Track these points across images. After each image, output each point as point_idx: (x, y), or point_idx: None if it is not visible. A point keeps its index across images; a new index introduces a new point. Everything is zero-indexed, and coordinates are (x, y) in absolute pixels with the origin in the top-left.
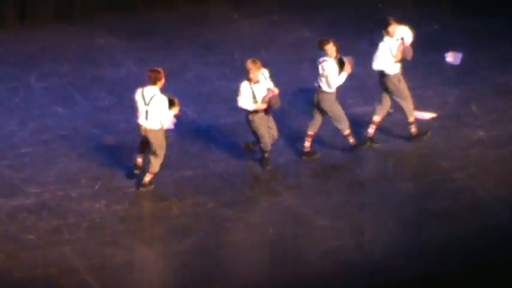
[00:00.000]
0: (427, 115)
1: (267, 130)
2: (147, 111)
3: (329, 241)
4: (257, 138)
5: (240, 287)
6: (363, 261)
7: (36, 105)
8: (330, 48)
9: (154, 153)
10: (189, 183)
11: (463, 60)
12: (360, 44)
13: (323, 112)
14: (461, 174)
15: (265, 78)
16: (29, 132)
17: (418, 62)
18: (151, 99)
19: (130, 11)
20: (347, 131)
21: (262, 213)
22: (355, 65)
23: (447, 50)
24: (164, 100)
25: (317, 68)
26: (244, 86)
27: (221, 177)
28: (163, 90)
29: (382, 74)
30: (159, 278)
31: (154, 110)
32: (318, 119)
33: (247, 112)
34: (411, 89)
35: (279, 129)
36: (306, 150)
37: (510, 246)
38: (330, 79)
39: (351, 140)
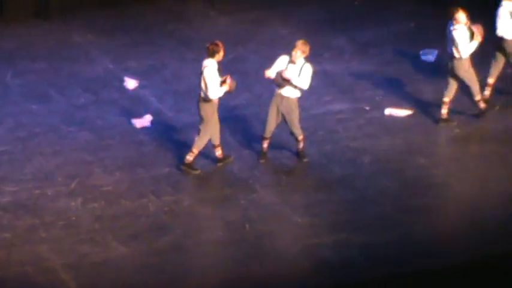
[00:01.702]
0: (404, 112)
1: (273, 116)
2: (200, 81)
3: (306, 239)
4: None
5: (218, 285)
6: (340, 258)
7: (12, 103)
8: (461, 15)
9: (203, 128)
10: (167, 180)
11: (438, 57)
12: (336, 42)
13: (458, 79)
14: (439, 170)
15: (299, 69)
16: (4, 129)
17: (393, 59)
18: (204, 69)
19: (106, 7)
20: (478, 97)
21: (239, 211)
22: (333, 62)
23: (423, 47)
24: (213, 73)
25: (448, 35)
26: (283, 58)
27: (198, 175)
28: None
29: (501, 39)
30: (136, 276)
31: (205, 81)
32: (453, 85)
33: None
34: (386, 86)
35: (253, 128)
36: (442, 117)
37: (489, 240)
38: (460, 47)
39: (481, 105)
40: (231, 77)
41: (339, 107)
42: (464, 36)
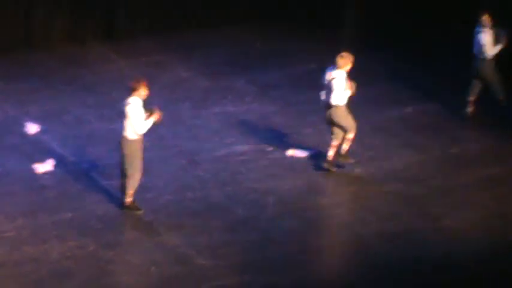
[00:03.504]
0: (305, 153)
1: None
2: (123, 120)
3: (211, 280)
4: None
5: None
6: None
7: None
8: (487, 18)
9: (130, 167)
10: (70, 225)
11: None
12: (237, 84)
13: (481, 80)
14: (340, 210)
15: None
16: None
17: (295, 101)
18: (125, 107)
19: (3, 53)
20: (501, 96)
21: (144, 254)
22: (235, 104)
23: (323, 88)
24: (137, 110)
25: (476, 37)
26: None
27: (101, 219)
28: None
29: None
30: None
31: (128, 119)
32: (477, 86)
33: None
34: (288, 127)
35: (161, 169)
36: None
37: (390, 281)
38: (486, 47)
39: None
40: (158, 108)
41: (241, 149)
42: (489, 37)
